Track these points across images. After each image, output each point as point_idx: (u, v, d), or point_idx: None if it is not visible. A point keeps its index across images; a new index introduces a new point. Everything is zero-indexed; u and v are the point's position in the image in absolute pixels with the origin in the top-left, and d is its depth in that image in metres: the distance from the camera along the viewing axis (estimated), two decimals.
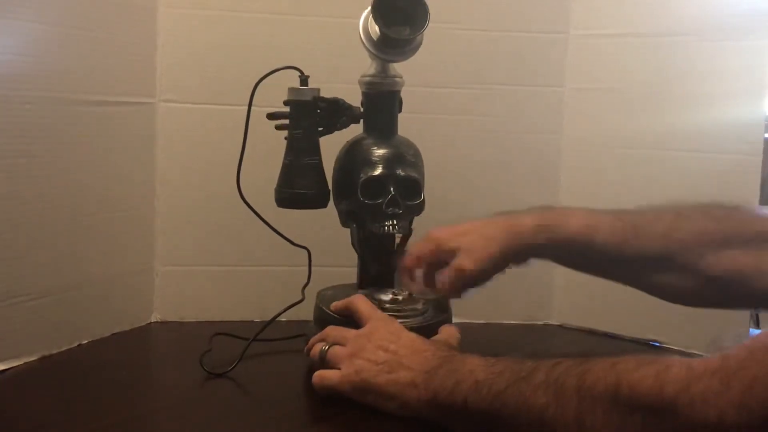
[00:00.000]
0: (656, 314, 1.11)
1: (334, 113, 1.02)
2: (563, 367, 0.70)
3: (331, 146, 1.04)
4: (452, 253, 0.92)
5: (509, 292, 1.20)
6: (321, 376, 0.88)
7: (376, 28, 0.95)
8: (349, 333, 0.90)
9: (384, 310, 0.98)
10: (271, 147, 1.01)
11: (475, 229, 0.94)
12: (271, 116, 1.00)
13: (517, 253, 0.93)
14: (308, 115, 1.00)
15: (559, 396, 0.68)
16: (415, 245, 0.98)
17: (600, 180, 1.24)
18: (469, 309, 1.15)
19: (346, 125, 1.03)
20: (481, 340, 1.12)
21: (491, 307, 1.25)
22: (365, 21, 0.98)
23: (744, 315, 1.12)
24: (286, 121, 1.00)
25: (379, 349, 0.85)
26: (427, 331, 0.95)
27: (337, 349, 0.89)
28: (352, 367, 0.86)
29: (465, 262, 0.91)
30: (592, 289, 1.15)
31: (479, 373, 0.76)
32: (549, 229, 0.92)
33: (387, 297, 1.01)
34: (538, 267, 0.97)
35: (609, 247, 0.91)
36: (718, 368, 0.60)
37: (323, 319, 1.00)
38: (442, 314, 1.01)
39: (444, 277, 0.94)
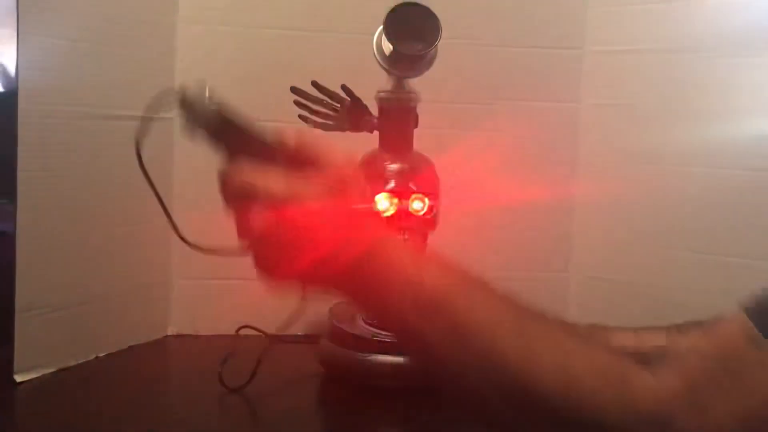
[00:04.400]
0: None
1: (358, 111, 1.03)
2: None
3: None
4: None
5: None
6: None
7: (389, 44, 0.96)
8: None
9: None
10: None
11: None
12: (295, 90, 1.04)
13: None
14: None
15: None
16: None
17: (616, 195, 1.23)
18: None
19: (365, 128, 1.04)
20: None
21: None
22: (378, 37, 0.99)
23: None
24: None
25: None
26: None
27: None
28: None
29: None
30: None
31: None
32: None
33: None
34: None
35: None
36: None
37: (335, 333, 1.01)
38: None
39: None
